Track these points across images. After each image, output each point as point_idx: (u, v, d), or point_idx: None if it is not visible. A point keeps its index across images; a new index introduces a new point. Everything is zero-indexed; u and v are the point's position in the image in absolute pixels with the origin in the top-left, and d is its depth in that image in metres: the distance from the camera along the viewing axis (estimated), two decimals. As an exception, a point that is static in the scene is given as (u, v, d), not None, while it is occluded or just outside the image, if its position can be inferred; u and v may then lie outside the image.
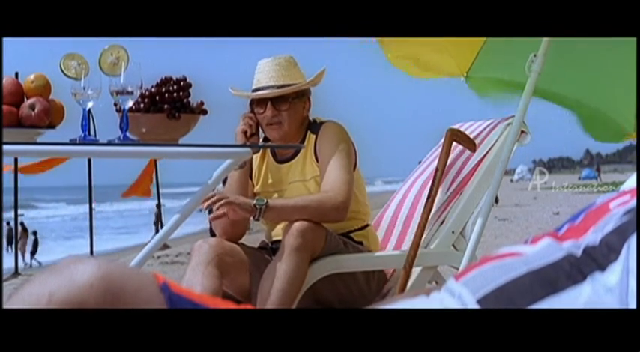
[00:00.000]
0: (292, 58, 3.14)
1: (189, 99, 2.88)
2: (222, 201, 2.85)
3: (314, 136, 3.10)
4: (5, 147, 2.33)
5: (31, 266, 18.85)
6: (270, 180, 3.17)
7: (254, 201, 2.90)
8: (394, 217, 3.47)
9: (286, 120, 3.08)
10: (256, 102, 3.10)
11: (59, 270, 1.10)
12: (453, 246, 3.15)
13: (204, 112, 2.92)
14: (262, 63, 3.12)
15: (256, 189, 3.19)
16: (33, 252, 20.18)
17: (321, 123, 3.13)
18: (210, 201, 2.85)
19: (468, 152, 3.26)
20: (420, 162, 3.58)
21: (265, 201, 2.89)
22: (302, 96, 3.13)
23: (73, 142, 2.65)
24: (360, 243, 3.10)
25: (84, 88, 2.61)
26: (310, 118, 3.18)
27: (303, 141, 3.11)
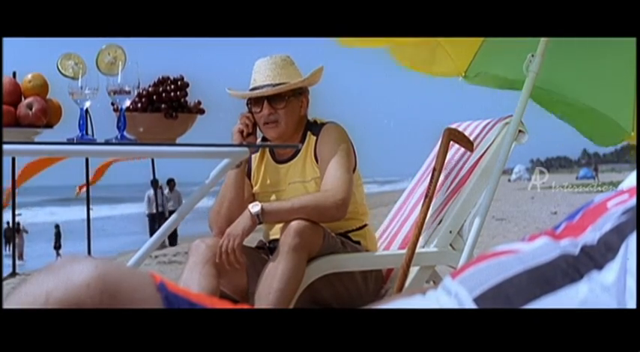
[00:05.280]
0: (289, 57, 3.15)
1: (187, 98, 2.89)
2: (229, 247, 2.86)
3: (314, 137, 3.10)
4: (3, 146, 2.33)
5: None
6: (269, 181, 3.16)
7: (253, 210, 2.89)
8: (395, 217, 3.48)
9: (283, 118, 3.07)
10: (253, 102, 3.10)
11: (56, 270, 1.10)
12: (451, 245, 3.15)
13: (202, 112, 2.92)
14: (259, 62, 3.13)
15: (255, 189, 3.18)
16: (57, 247, 20.36)
17: (322, 124, 3.13)
18: (223, 256, 2.86)
19: (466, 152, 3.26)
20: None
21: (259, 209, 2.89)
22: (299, 95, 3.12)
23: (70, 142, 2.65)
24: (358, 243, 3.10)
25: (81, 88, 2.61)
26: (310, 119, 3.18)
27: (302, 142, 3.11)
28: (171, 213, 17.26)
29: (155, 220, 17.30)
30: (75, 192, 14.22)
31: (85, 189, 13.35)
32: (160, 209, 17.50)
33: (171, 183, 18.06)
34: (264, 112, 3.07)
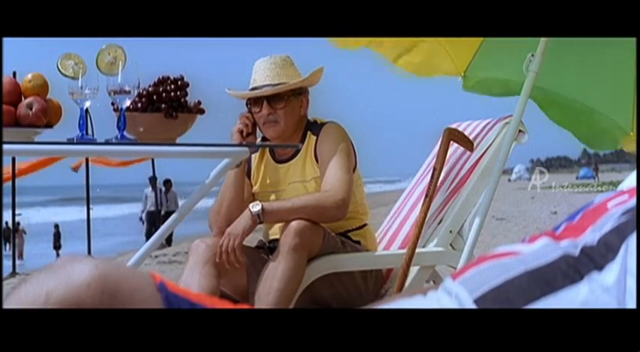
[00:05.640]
0: (289, 57, 3.15)
1: (187, 98, 2.88)
2: (229, 246, 2.86)
3: (315, 137, 3.10)
4: (3, 146, 2.32)
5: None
6: (268, 180, 3.16)
7: (253, 210, 2.89)
8: (395, 216, 3.47)
9: (282, 118, 3.08)
10: (253, 102, 3.11)
11: (56, 270, 1.10)
12: (451, 245, 3.15)
13: (202, 112, 2.92)
14: (258, 62, 3.13)
15: (255, 189, 3.18)
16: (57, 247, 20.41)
17: (322, 124, 3.13)
18: (223, 256, 2.85)
19: (466, 151, 3.26)
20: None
21: (260, 209, 2.89)
22: (298, 94, 3.12)
23: (70, 142, 2.65)
24: (358, 242, 3.10)
25: (81, 88, 2.61)
26: (310, 119, 3.18)
27: (302, 142, 3.11)
28: (167, 213, 17.21)
29: (153, 218, 17.23)
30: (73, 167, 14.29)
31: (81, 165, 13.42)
32: (159, 207, 17.42)
33: (167, 183, 17.90)
34: (263, 112, 3.07)
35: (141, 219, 18.18)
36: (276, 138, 3.13)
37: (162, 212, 17.19)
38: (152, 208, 17.61)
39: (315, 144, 3.08)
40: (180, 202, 18.25)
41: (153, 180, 17.52)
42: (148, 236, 17.30)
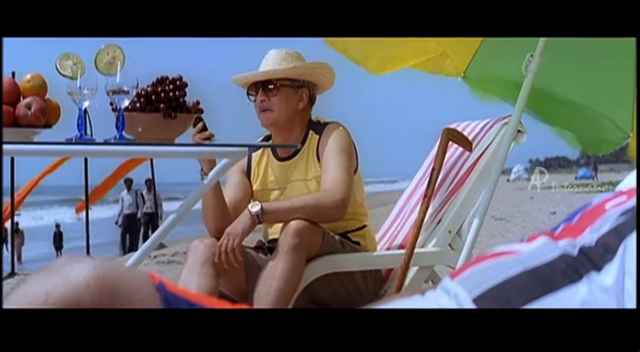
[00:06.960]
0: (297, 52, 3.17)
1: (186, 98, 2.88)
2: (228, 246, 2.85)
3: (317, 137, 3.10)
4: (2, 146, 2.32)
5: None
6: (270, 178, 3.16)
7: (253, 210, 2.89)
8: (396, 218, 3.47)
9: (276, 106, 3.09)
10: (251, 89, 3.13)
11: (55, 270, 1.10)
12: (450, 245, 3.15)
13: (201, 112, 2.91)
14: (268, 53, 3.18)
15: (255, 187, 3.18)
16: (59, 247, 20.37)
17: (325, 124, 3.14)
18: (222, 256, 2.85)
19: (465, 151, 3.26)
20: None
21: (259, 209, 2.89)
22: (298, 87, 3.13)
23: (69, 142, 2.64)
24: (357, 243, 3.09)
25: (80, 88, 2.61)
26: (313, 118, 3.18)
27: (304, 141, 3.11)
28: (147, 214, 17.08)
29: (129, 222, 17.13)
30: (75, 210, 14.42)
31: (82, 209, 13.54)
32: (134, 210, 17.28)
33: (149, 182, 17.57)
34: (258, 99, 3.12)
35: (116, 222, 18.01)
36: (269, 126, 3.15)
37: (139, 214, 17.06)
38: (128, 211, 17.47)
39: (318, 144, 3.09)
40: (164, 203, 18.16)
41: (128, 182, 17.34)
42: (124, 240, 17.29)
